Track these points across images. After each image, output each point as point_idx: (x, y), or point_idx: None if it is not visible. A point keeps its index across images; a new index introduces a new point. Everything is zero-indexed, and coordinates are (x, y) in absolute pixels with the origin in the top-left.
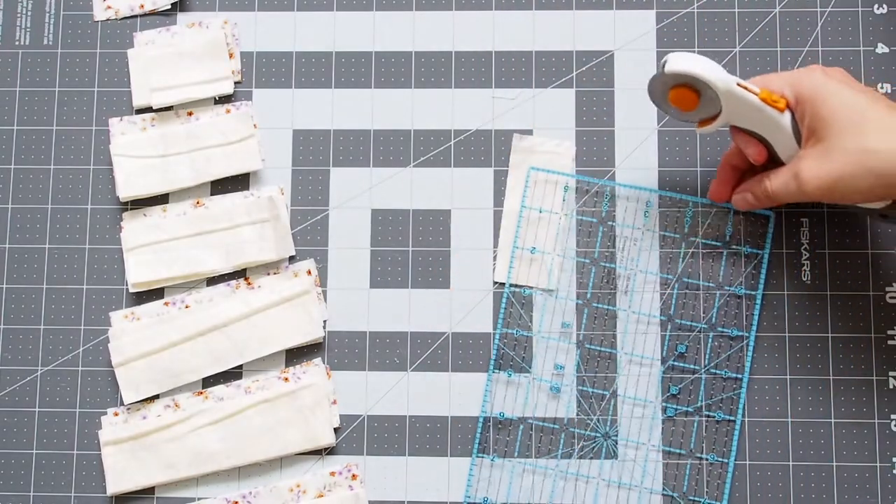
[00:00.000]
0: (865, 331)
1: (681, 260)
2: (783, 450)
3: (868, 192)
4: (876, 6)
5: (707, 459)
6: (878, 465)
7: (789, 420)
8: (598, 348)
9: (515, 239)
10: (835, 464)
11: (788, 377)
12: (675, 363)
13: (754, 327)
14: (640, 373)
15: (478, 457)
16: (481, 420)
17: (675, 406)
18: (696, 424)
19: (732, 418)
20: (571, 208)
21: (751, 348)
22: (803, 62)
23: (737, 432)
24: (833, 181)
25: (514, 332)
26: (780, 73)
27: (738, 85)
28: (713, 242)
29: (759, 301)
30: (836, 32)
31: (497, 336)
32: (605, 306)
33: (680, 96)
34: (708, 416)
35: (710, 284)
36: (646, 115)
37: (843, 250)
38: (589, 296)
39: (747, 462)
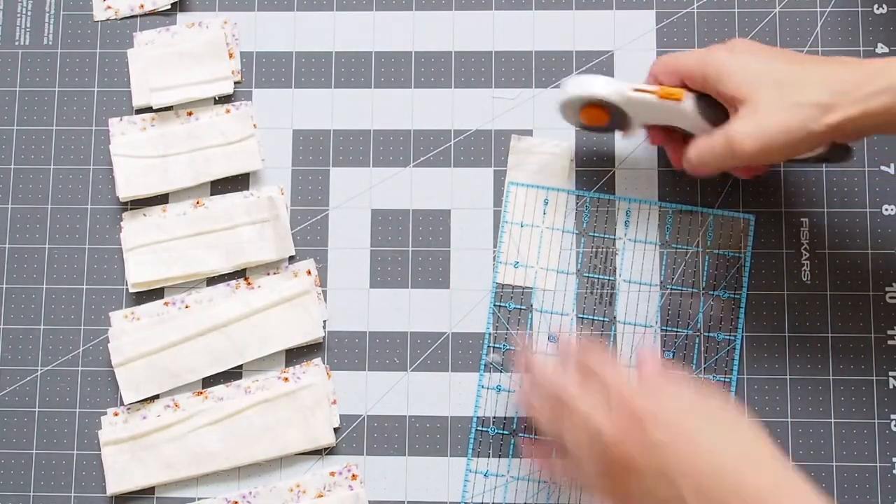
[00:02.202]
0: (865, 331)
1: (663, 267)
2: (783, 450)
3: (800, 144)
4: (876, 6)
5: None
6: (877, 465)
7: (789, 420)
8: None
9: (499, 254)
10: (835, 464)
11: (788, 377)
12: None
13: (740, 330)
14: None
15: (470, 472)
16: (472, 435)
17: None
18: None
19: None
20: (552, 221)
21: (737, 351)
22: None
23: None
24: (768, 138)
25: (502, 346)
26: (690, 52)
27: (636, 90)
28: (695, 248)
29: (743, 304)
30: (835, 32)
31: (484, 352)
32: (591, 317)
33: (590, 115)
34: None
35: (694, 290)
36: None
37: (843, 250)
38: (574, 308)
39: None
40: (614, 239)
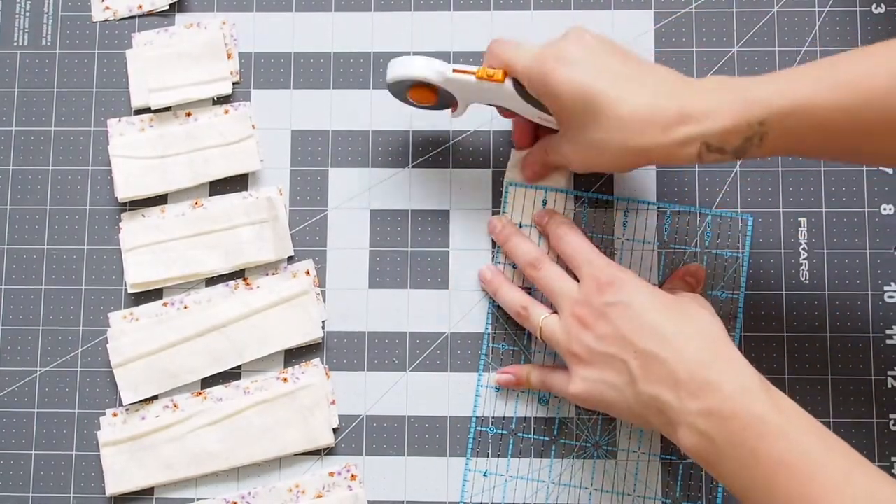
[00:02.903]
0: (864, 330)
1: (661, 267)
2: None
3: (622, 166)
4: (874, 6)
5: None
6: (876, 464)
7: None
8: None
9: (497, 255)
10: None
11: (787, 377)
12: None
13: (739, 329)
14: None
15: (469, 471)
16: (471, 434)
17: None
18: None
19: None
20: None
21: None
22: (801, 62)
23: None
24: (587, 164)
25: (501, 346)
26: (521, 53)
27: (455, 71)
28: (693, 249)
29: (741, 304)
30: (834, 32)
31: (482, 352)
32: None
33: (417, 94)
34: None
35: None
36: None
37: (842, 250)
38: None
39: None
40: (612, 239)
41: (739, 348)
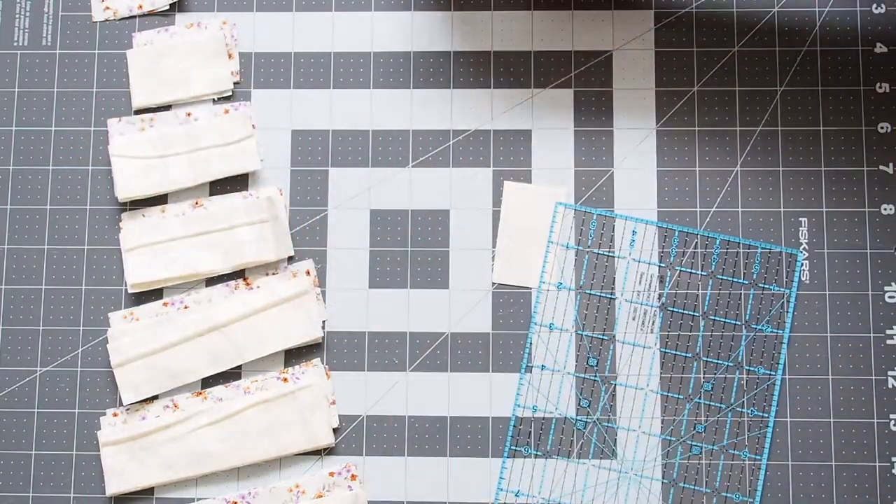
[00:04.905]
0: (864, 330)
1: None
2: (782, 450)
3: None
4: (874, 6)
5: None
6: (877, 464)
7: (788, 420)
8: (630, 386)
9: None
10: (834, 463)
11: (788, 377)
12: (699, 399)
13: (780, 370)
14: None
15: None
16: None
17: (700, 444)
18: (721, 461)
19: (758, 458)
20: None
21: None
22: (802, 61)
23: (762, 475)
24: None
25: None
26: None
27: None
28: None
29: (785, 341)
30: (834, 32)
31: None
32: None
33: None
34: (734, 455)
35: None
36: (644, 115)
37: (843, 250)
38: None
39: (747, 462)
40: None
41: (742, 348)
